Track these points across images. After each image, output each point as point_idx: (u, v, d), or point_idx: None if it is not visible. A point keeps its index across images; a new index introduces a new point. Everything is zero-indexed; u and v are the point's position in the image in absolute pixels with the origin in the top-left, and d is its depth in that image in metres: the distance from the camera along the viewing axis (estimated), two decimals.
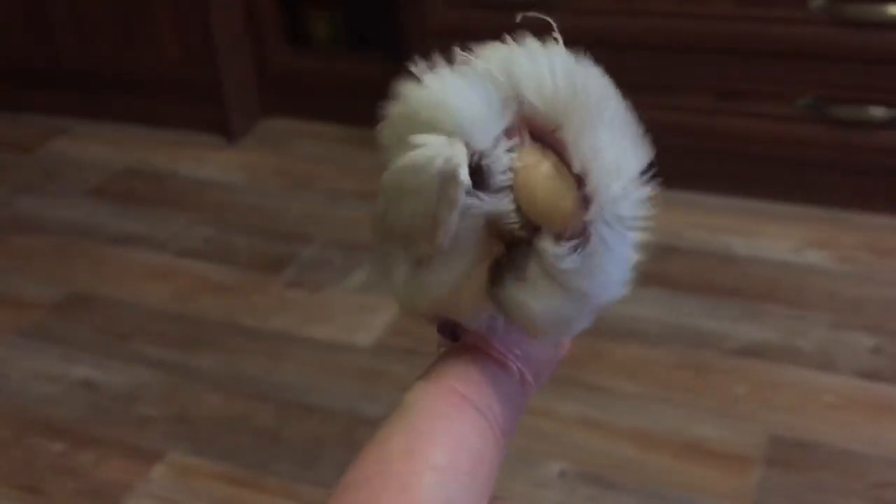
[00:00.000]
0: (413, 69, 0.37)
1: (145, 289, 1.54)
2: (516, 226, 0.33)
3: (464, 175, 0.32)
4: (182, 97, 2.01)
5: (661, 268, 1.45)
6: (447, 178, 0.32)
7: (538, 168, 0.33)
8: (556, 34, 0.37)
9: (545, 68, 0.35)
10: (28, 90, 2.15)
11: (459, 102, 0.34)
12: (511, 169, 0.33)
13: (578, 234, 0.33)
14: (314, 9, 2.04)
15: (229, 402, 1.30)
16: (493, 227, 0.33)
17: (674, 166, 1.62)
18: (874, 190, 1.55)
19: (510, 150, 0.33)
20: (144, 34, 1.97)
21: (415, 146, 0.33)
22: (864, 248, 1.49)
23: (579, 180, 0.33)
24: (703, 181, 1.65)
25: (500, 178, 0.33)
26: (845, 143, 1.52)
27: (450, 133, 0.33)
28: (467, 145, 0.32)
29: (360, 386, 1.30)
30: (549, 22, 0.42)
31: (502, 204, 0.33)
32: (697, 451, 1.16)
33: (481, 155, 0.33)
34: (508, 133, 0.34)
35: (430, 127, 0.33)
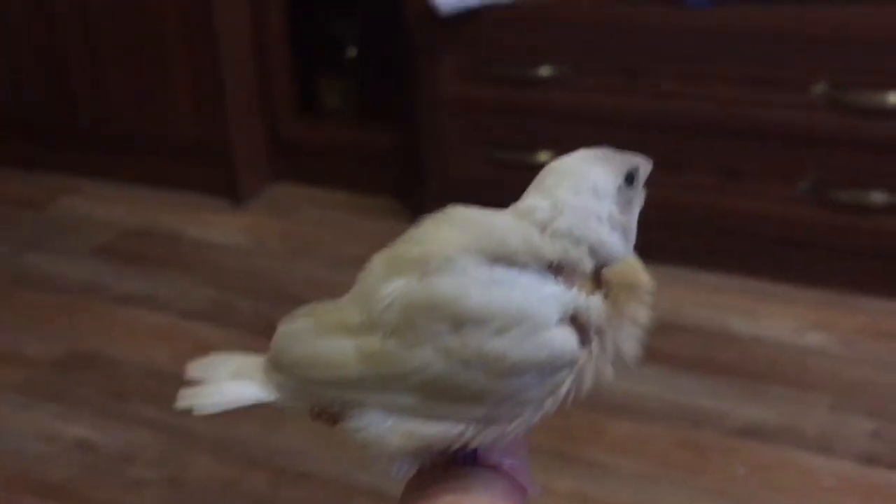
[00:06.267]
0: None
1: (147, 349, 1.54)
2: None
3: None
4: (193, 160, 2.04)
5: (661, 344, 1.45)
6: (571, 363, 0.40)
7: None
8: None
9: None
10: (43, 147, 2.18)
11: (548, 296, 0.40)
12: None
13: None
14: (327, 78, 2.08)
15: (223, 467, 1.29)
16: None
17: (676, 243, 1.64)
18: (875, 273, 1.56)
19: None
20: (160, 98, 2.01)
21: (538, 335, 0.39)
22: (864, 332, 1.50)
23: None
24: (705, 259, 1.66)
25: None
26: (846, 226, 1.54)
27: (555, 323, 0.40)
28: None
29: (354, 454, 1.29)
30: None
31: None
32: None
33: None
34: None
35: (533, 321, 0.39)
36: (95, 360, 1.52)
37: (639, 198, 0.44)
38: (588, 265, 0.41)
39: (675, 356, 1.45)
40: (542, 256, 0.40)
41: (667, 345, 1.46)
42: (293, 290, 1.70)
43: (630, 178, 0.43)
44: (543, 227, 0.41)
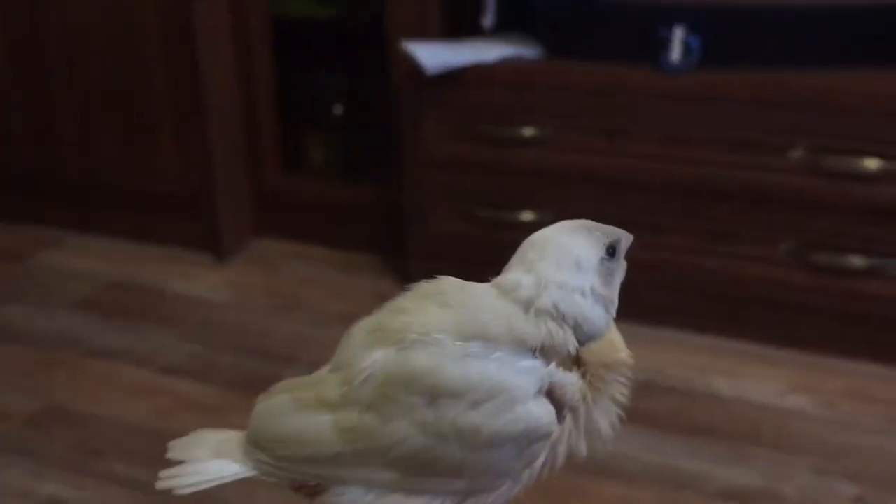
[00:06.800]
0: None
1: (124, 404, 1.52)
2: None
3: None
4: (176, 214, 2.04)
5: (643, 406, 1.44)
6: (548, 436, 0.41)
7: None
8: None
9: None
10: (26, 200, 2.18)
11: (526, 375, 0.42)
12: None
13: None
14: (313, 135, 2.10)
15: None
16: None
17: (660, 304, 1.65)
18: (857, 336, 1.57)
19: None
20: (146, 151, 2.02)
21: (514, 408, 0.40)
22: (847, 395, 1.50)
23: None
24: (689, 320, 1.66)
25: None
26: (826, 289, 1.55)
27: (531, 396, 0.41)
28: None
29: None
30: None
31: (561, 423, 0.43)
32: None
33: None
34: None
35: (509, 394, 0.40)
36: (72, 415, 1.50)
37: (620, 270, 0.45)
38: (572, 346, 0.41)
39: (657, 417, 1.44)
40: (525, 343, 0.40)
41: (648, 405, 1.45)
42: (275, 345, 1.68)
43: (611, 251, 0.44)
44: (528, 305, 0.41)
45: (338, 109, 2.10)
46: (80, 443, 1.43)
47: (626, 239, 0.45)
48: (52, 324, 1.78)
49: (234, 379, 1.58)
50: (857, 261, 1.51)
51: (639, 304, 1.74)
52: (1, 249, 2.09)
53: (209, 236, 2.01)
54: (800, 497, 1.28)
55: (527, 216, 1.65)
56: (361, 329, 0.43)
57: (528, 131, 1.64)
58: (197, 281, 1.93)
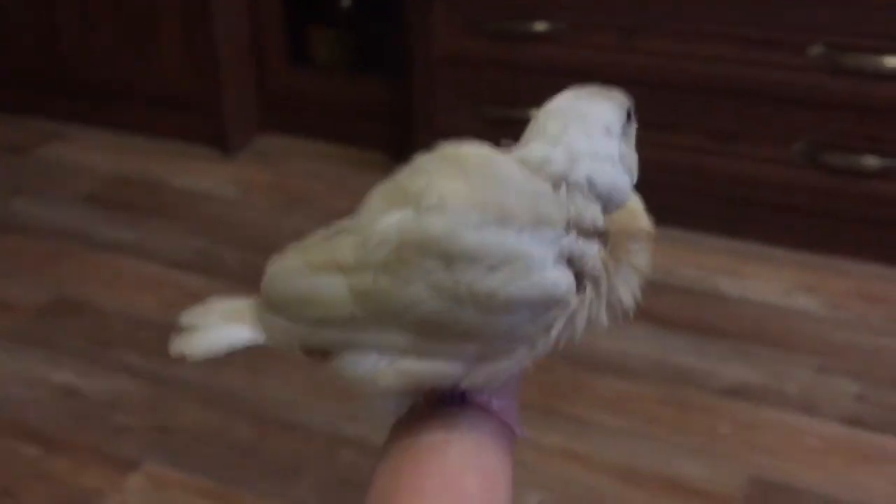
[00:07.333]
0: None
1: (132, 297, 1.53)
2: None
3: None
4: (181, 109, 2.02)
5: (649, 304, 1.44)
6: (563, 303, 0.39)
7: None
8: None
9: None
10: (29, 93, 2.15)
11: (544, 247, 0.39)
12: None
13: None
14: (319, 28, 2.05)
15: (209, 415, 1.29)
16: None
17: (668, 204, 1.63)
18: (865, 238, 1.56)
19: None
20: (149, 45, 1.98)
21: (531, 274, 0.38)
22: (852, 295, 1.50)
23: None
24: (696, 220, 1.65)
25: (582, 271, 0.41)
26: (838, 189, 1.53)
27: (550, 264, 0.39)
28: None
29: (341, 404, 1.30)
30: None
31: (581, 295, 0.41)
32: (677, 488, 1.16)
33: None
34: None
35: (526, 261, 0.38)
36: (81, 307, 1.51)
37: (634, 133, 0.44)
38: (599, 220, 0.40)
39: (663, 316, 1.45)
40: (551, 223, 0.38)
41: (654, 304, 1.46)
42: (281, 241, 1.67)
43: (629, 114, 0.43)
44: (558, 181, 0.39)
45: (345, 2, 2.04)
46: (91, 333, 1.45)
47: (631, 100, 0.44)
48: (57, 217, 1.78)
49: (240, 273, 1.58)
50: (870, 161, 1.49)
51: (645, 202, 1.73)
52: (4, 142, 2.07)
53: (214, 131, 1.99)
54: (802, 394, 1.29)
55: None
56: (379, 191, 0.42)
57: (540, 26, 1.60)
58: (202, 176, 1.92)
